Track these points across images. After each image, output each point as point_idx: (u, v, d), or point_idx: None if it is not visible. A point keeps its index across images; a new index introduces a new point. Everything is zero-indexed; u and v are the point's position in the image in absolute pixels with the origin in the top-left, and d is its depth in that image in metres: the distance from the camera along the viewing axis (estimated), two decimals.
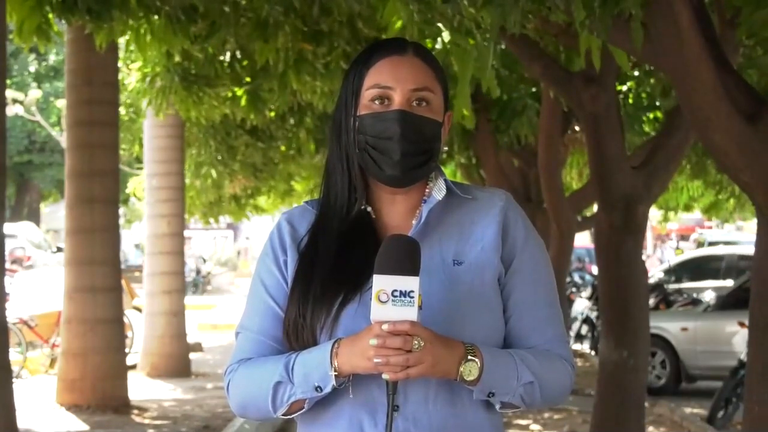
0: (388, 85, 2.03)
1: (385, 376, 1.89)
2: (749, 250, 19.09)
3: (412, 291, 1.87)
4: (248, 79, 9.51)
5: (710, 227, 39.83)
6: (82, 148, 10.06)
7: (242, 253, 42.07)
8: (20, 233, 29.39)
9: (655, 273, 18.09)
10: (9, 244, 22.00)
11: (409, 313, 1.86)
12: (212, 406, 10.50)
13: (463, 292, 2.00)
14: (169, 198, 13.19)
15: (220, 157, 15.21)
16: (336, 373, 1.93)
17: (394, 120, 2.01)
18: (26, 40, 6.75)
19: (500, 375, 1.96)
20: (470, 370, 1.93)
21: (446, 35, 5.39)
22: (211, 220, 19.21)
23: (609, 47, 4.69)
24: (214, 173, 15.62)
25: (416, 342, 1.87)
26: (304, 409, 2.00)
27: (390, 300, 1.87)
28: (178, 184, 13.30)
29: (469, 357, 1.93)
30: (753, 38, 5.69)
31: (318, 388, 1.95)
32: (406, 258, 1.89)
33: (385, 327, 1.86)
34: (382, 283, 1.87)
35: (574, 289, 18.65)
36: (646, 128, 11.49)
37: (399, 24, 5.47)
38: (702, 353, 12.06)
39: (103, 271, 10.07)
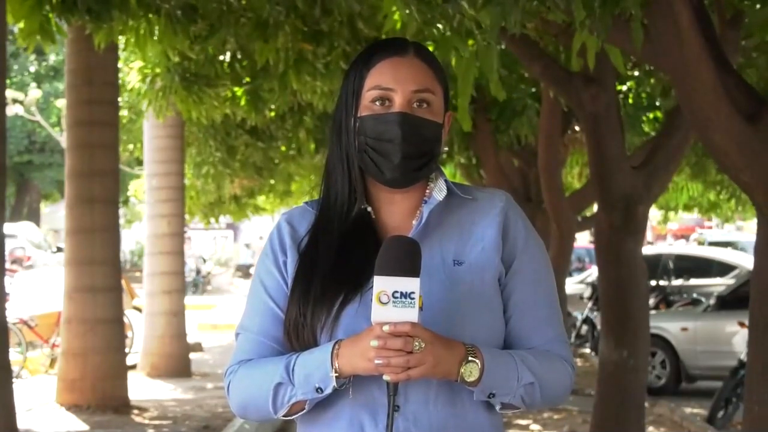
0: (389, 87, 2.02)
1: (385, 377, 1.89)
2: (686, 250, 19.00)
3: (413, 292, 1.87)
4: (248, 79, 9.51)
5: (710, 227, 39.85)
6: (82, 148, 10.06)
7: (258, 253, 41.91)
8: (20, 233, 29.39)
9: (593, 273, 17.84)
10: (9, 244, 22.00)
11: (410, 314, 1.86)
12: (212, 406, 10.49)
13: (463, 292, 2.00)
14: (169, 198, 13.19)
15: (220, 157, 15.21)
16: (337, 375, 1.93)
17: (395, 122, 2.01)
18: (29, 41, 6.74)
19: (501, 376, 1.96)
20: (471, 371, 1.93)
21: (446, 36, 5.38)
22: (212, 220, 19.20)
23: (606, 47, 4.69)
24: (213, 172, 15.61)
25: (417, 343, 1.87)
26: (304, 410, 2.00)
27: (390, 301, 1.86)
28: (178, 184, 13.30)
29: (470, 358, 1.93)
30: (751, 39, 5.69)
31: (319, 389, 1.95)
32: (407, 259, 1.89)
33: (385, 328, 1.86)
34: (382, 284, 1.87)
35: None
36: (646, 128, 11.50)
37: (398, 23, 5.46)
38: (702, 353, 12.05)
39: (103, 271, 10.06)
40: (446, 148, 2.13)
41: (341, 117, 2.08)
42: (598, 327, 11.90)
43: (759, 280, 4.30)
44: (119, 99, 10.81)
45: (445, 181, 2.09)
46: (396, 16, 5.44)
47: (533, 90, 10.72)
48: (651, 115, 11.54)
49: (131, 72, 10.42)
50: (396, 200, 2.08)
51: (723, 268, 16.86)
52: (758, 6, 4.72)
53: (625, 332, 7.05)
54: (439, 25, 5.23)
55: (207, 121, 12.36)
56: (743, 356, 9.12)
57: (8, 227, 16.25)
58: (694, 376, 12.34)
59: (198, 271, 30.04)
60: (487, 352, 1.96)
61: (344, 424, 1.99)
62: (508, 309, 2.06)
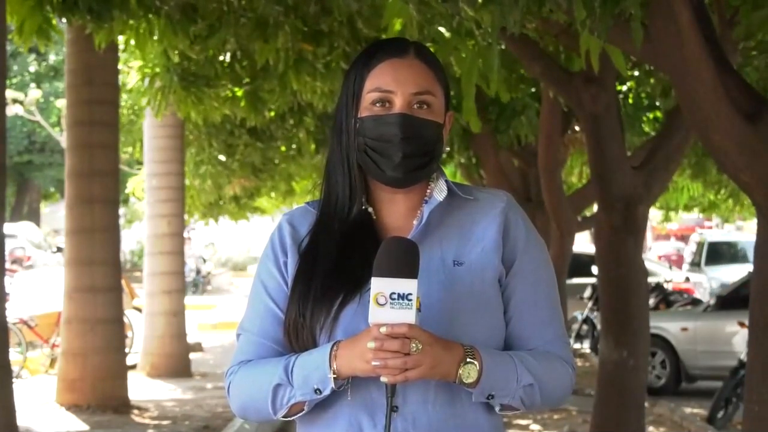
0: (389, 89, 2.02)
1: (383, 378, 1.89)
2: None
3: (410, 294, 1.86)
4: (248, 80, 9.51)
5: (710, 227, 39.84)
6: (82, 148, 10.06)
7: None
8: (20, 233, 29.37)
9: None
10: (9, 244, 21.99)
11: (408, 315, 1.86)
12: (212, 406, 10.50)
13: (463, 292, 2.00)
14: (169, 198, 13.20)
15: (220, 157, 15.21)
16: (335, 376, 1.93)
17: (394, 123, 2.01)
18: (26, 40, 6.75)
19: (500, 377, 1.96)
20: (469, 372, 1.93)
21: (447, 36, 5.38)
22: (211, 220, 19.18)
23: (606, 48, 4.69)
24: (212, 172, 15.61)
25: (414, 345, 1.87)
26: (303, 411, 2.00)
27: (388, 303, 1.86)
28: (178, 184, 13.30)
29: (468, 359, 1.93)
30: (751, 39, 5.69)
31: (317, 391, 1.95)
32: (405, 260, 1.89)
33: (383, 330, 1.86)
34: (380, 285, 1.87)
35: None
36: (646, 128, 11.50)
37: (398, 26, 5.46)
38: (702, 353, 12.05)
39: (103, 271, 10.07)
40: (447, 148, 2.13)
41: (341, 118, 2.08)
42: (598, 327, 11.91)
43: (759, 280, 4.30)
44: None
45: (446, 181, 2.09)
46: (398, 27, 5.43)
47: (533, 90, 10.72)
48: (651, 115, 11.54)
49: (131, 72, 10.41)
50: (396, 200, 2.08)
51: None
52: (756, 7, 4.71)
53: (625, 332, 7.05)
54: (442, 29, 5.23)
55: (206, 122, 12.36)
56: (743, 356, 9.13)
57: (8, 227, 16.25)
58: (694, 376, 12.34)
59: (198, 271, 30.01)
60: (486, 353, 1.96)
61: (343, 425, 1.99)
62: (508, 310, 2.06)
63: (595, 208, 9.42)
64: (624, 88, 10.79)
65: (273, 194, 20.04)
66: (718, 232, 34.20)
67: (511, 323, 2.06)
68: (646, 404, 8.05)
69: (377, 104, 2.03)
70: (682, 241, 38.87)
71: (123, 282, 12.03)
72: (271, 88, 9.25)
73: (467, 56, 5.15)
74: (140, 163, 18.00)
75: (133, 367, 12.72)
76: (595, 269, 13.39)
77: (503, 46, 7.00)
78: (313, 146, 13.33)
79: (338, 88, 2.13)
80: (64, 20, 6.98)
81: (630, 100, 11.15)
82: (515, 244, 2.07)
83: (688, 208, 21.64)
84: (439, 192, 2.07)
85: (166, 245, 13.17)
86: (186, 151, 14.31)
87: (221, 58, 9.05)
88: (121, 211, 19.98)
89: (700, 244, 24.71)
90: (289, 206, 21.87)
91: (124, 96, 11.83)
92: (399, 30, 5.46)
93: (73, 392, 9.96)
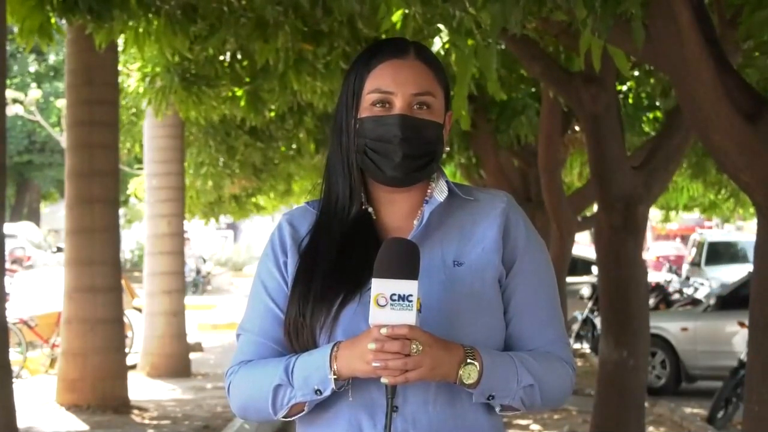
0: (389, 90, 2.02)
1: (383, 380, 1.89)
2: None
3: (411, 295, 1.86)
4: (248, 80, 9.51)
5: (710, 227, 39.84)
6: (82, 148, 10.06)
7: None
8: (20, 233, 29.39)
9: None
10: (9, 244, 21.99)
11: (408, 316, 1.86)
12: (212, 406, 10.50)
13: (463, 293, 2.00)
14: (169, 198, 13.20)
15: (219, 157, 15.21)
16: (335, 377, 1.93)
17: (394, 124, 2.01)
18: (27, 40, 6.74)
19: (500, 378, 1.96)
20: (470, 373, 1.93)
21: (446, 35, 5.38)
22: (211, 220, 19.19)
23: (608, 48, 4.68)
24: (213, 172, 15.61)
25: (415, 346, 1.87)
26: (304, 412, 2.00)
27: (388, 304, 1.86)
28: (178, 184, 13.30)
29: (469, 360, 1.93)
30: (752, 39, 5.69)
31: (317, 391, 1.95)
32: (405, 262, 1.89)
33: (383, 331, 1.86)
34: (380, 286, 1.87)
35: None
36: (646, 128, 11.50)
37: (398, 21, 5.46)
38: (702, 353, 12.05)
39: (103, 271, 10.07)
40: (447, 148, 2.12)
41: (341, 118, 2.08)
42: (599, 327, 11.90)
43: (759, 280, 4.30)
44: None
45: (447, 182, 2.09)
46: (395, 17, 5.42)
47: (533, 90, 10.72)
48: (651, 115, 11.55)
49: (131, 75, 10.41)
50: (397, 200, 2.08)
51: (585, 266, 17.43)
52: (757, 8, 4.71)
53: (625, 332, 7.05)
54: (440, 26, 5.23)
55: (206, 122, 12.36)
56: (743, 356, 9.12)
57: (8, 227, 16.25)
58: (694, 376, 12.33)
59: (198, 271, 30.00)
60: (487, 353, 1.96)
61: (343, 425, 1.99)
62: (508, 310, 2.06)
63: (595, 208, 9.42)
64: (624, 88, 10.79)
65: (272, 194, 20.05)
66: (718, 232, 34.21)
67: (511, 324, 2.06)
68: (646, 404, 8.05)
69: (377, 105, 2.03)
70: (683, 242, 38.87)
71: (123, 282, 12.03)
72: (271, 88, 9.25)
73: (464, 56, 5.15)
74: (140, 162, 18.00)
75: (133, 367, 12.72)
76: (592, 269, 13.38)
77: (503, 46, 7.00)
78: (313, 146, 13.34)
79: (338, 88, 2.13)
80: (63, 21, 6.98)
81: (630, 100, 11.15)
82: (515, 244, 2.07)
83: (688, 208, 21.64)
84: (439, 192, 2.07)
85: (166, 245, 13.17)
86: (186, 152, 14.31)
87: (221, 58, 9.05)
88: (121, 211, 19.98)
89: (700, 244, 24.70)
90: (288, 206, 21.88)
91: (124, 99, 11.82)
92: (398, 28, 5.46)
93: (73, 392, 9.96)
